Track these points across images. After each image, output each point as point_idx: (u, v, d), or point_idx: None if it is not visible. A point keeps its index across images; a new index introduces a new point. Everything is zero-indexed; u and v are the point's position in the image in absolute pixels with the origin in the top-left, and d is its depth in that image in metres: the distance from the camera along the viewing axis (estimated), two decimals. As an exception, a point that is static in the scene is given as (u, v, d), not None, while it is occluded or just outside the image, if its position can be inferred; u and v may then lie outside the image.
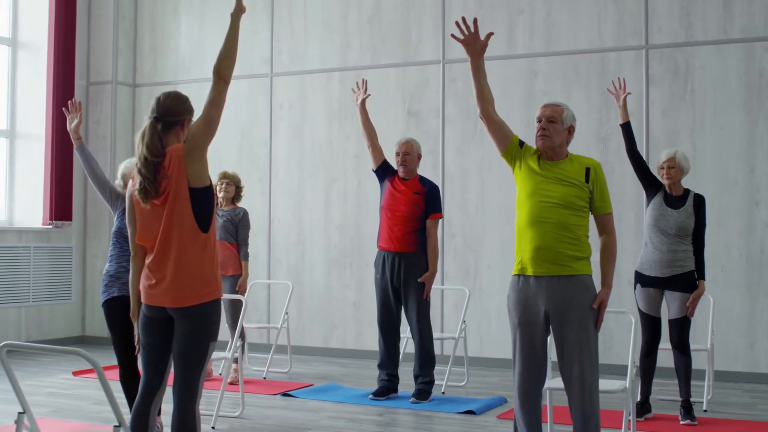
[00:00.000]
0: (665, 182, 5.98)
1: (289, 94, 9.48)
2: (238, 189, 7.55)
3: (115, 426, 3.07)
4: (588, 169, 4.31)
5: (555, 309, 4.19)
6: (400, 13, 8.94)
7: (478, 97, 4.40)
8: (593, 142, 8.11)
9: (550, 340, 4.34)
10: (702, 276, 5.91)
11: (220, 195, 7.45)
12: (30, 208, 9.52)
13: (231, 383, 7.25)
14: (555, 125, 4.33)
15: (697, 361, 7.03)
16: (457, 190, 8.62)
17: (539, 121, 4.37)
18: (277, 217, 9.45)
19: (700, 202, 5.96)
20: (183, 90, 10.19)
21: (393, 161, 6.80)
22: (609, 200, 4.37)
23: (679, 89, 7.87)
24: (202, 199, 3.71)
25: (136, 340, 3.91)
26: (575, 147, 8.04)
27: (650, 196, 6.06)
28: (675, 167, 5.94)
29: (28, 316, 9.25)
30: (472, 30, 4.36)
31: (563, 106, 4.40)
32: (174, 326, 3.76)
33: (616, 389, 4.71)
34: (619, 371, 7.05)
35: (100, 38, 10.09)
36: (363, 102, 6.81)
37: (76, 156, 5.37)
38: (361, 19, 9.14)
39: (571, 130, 4.39)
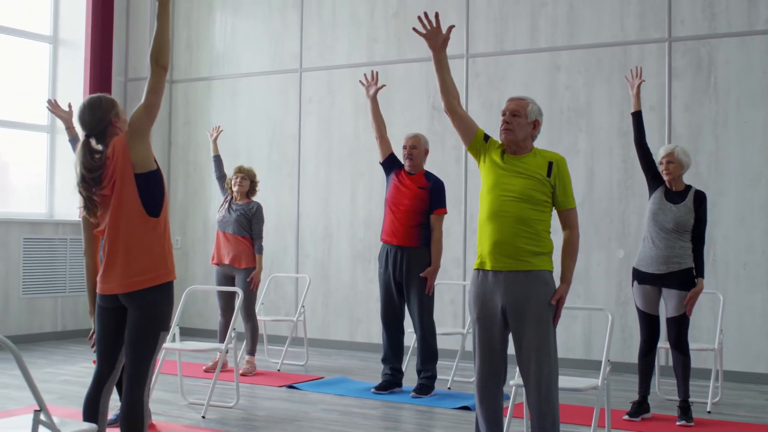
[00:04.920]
0: (665, 177, 5.85)
1: (318, 89, 9.55)
2: (253, 183, 7.63)
3: (35, 410, 3.16)
4: (551, 164, 4.24)
5: (512, 304, 4.15)
6: (424, 7, 8.88)
7: (442, 91, 4.40)
8: (615, 136, 7.97)
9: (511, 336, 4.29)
10: (701, 274, 5.75)
11: (234, 189, 7.55)
12: (69, 201, 9.79)
13: (243, 374, 7.37)
14: (518, 119, 4.27)
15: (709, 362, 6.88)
16: (480, 185, 8.54)
17: (503, 114, 4.32)
18: (305, 212, 9.53)
19: (700, 198, 5.80)
20: (217, 85, 10.42)
21: (400, 155, 6.79)
22: (572, 195, 4.29)
23: (702, 83, 7.67)
24: (149, 184, 3.77)
25: (90, 334, 4.03)
26: (596, 139, 7.99)
27: (652, 189, 5.95)
28: (674, 162, 5.81)
29: (64, 305, 9.51)
30: (434, 24, 4.34)
31: (528, 100, 4.35)
32: (126, 316, 3.85)
33: (585, 387, 4.63)
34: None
35: (137, 35, 10.32)
36: (376, 93, 6.78)
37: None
38: (387, 14, 9.16)
39: (536, 125, 4.32)
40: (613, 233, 7.95)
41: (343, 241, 9.29)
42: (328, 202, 9.42)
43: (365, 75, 6.91)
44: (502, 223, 4.17)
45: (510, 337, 4.25)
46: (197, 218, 10.21)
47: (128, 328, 3.81)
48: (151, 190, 3.78)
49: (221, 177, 7.78)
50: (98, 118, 3.82)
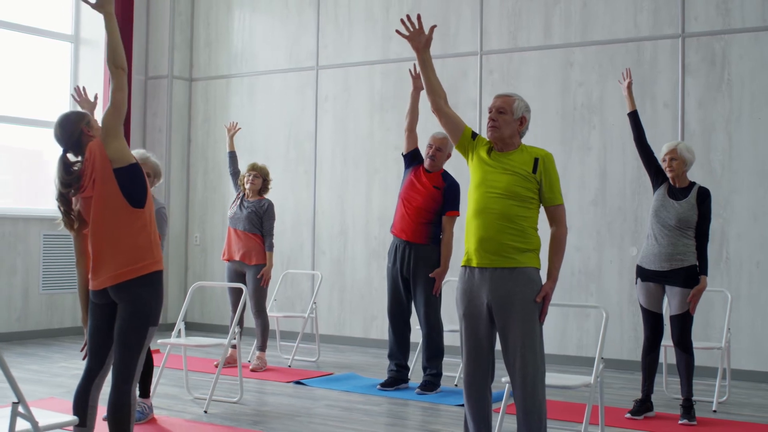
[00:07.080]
0: (668, 175, 5.82)
1: (334, 87, 9.59)
2: (266, 181, 7.68)
3: (13, 402, 3.23)
4: (536, 160, 4.23)
5: (497, 302, 4.15)
6: (439, 5, 8.92)
7: (428, 91, 4.40)
8: (628, 133, 7.79)
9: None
10: (704, 271, 5.70)
11: (246, 186, 7.61)
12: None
13: (253, 370, 7.43)
14: (504, 116, 4.28)
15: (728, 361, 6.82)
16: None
17: (490, 111, 4.33)
18: (321, 209, 9.59)
19: (703, 195, 5.75)
20: (235, 83, 10.47)
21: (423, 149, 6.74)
22: (559, 192, 4.26)
23: (716, 79, 7.60)
24: (128, 176, 3.87)
25: (83, 345, 4.11)
26: (608, 136, 7.95)
27: (655, 186, 5.93)
28: (677, 159, 5.77)
29: (84, 301, 9.64)
30: (417, 26, 4.35)
31: (515, 96, 4.35)
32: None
33: (577, 384, 4.61)
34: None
35: (157, 34, 10.44)
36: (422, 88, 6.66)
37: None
38: (402, 11, 9.15)
39: (522, 121, 4.32)
40: (625, 231, 7.90)
41: (358, 239, 9.33)
42: (343, 199, 9.46)
43: (414, 65, 6.64)
44: (487, 219, 4.16)
45: (497, 334, 4.25)
46: (216, 215, 10.30)
47: (117, 323, 3.90)
48: (132, 182, 3.87)
49: (235, 173, 7.85)
50: (70, 131, 3.95)
